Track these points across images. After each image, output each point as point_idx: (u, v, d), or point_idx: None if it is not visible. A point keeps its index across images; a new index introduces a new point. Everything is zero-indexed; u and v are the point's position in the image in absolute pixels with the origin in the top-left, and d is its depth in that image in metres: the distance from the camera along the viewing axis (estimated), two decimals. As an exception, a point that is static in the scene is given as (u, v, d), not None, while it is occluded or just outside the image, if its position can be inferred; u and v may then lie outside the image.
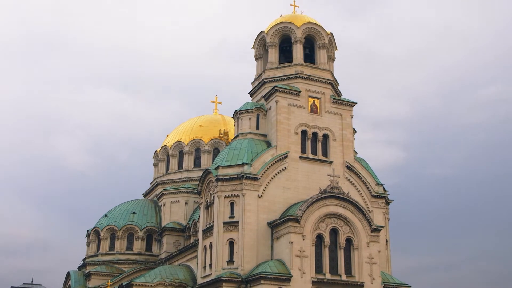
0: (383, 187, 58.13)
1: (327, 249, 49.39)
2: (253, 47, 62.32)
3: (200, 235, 55.29)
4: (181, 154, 75.95)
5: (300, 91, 56.12)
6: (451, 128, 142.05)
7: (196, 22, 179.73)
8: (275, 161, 53.05)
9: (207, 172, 55.37)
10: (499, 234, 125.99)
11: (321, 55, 59.26)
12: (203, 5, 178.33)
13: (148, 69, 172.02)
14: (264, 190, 52.06)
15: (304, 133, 55.23)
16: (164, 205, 71.64)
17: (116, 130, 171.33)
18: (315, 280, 47.89)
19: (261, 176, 52.02)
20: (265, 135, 56.30)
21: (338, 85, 60.05)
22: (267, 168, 52.51)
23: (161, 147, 79.10)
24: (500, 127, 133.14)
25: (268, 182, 52.42)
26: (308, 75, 57.16)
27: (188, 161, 74.95)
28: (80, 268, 74.34)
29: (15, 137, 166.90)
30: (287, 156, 53.61)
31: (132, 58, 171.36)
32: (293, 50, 58.78)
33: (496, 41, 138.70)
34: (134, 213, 72.31)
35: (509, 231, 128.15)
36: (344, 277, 49.13)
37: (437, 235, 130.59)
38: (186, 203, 70.40)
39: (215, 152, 72.55)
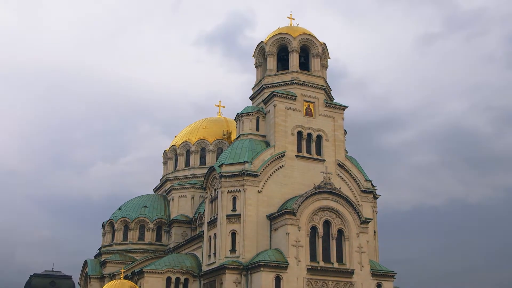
0: (371, 183, 58.14)
1: (320, 240, 49.47)
2: (253, 56, 62.36)
3: (205, 226, 55.35)
4: (188, 153, 75.94)
5: (296, 96, 56.15)
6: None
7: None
8: (274, 160, 53.08)
9: (211, 169, 55.43)
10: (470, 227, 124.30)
11: (315, 63, 59.29)
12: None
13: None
14: (263, 186, 52.11)
15: (299, 134, 55.25)
16: (172, 199, 71.65)
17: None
18: (310, 267, 47.98)
19: (260, 173, 52.07)
20: (264, 136, 56.32)
21: (331, 90, 60.11)
22: (266, 166, 52.56)
23: (170, 147, 79.09)
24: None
25: (267, 179, 52.47)
26: (303, 81, 57.19)
27: (195, 160, 74.94)
28: (96, 256, 74.32)
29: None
30: (284, 155, 53.65)
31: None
32: (290, 58, 58.82)
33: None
34: (145, 206, 72.31)
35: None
36: (336, 265, 49.24)
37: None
38: (193, 197, 70.40)
39: (219, 151, 72.53)
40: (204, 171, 62.20)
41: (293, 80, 56.97)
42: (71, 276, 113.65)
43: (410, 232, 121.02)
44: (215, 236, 52.21)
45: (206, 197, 56.50)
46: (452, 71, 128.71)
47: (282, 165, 53.37)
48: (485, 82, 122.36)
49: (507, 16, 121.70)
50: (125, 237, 71.09)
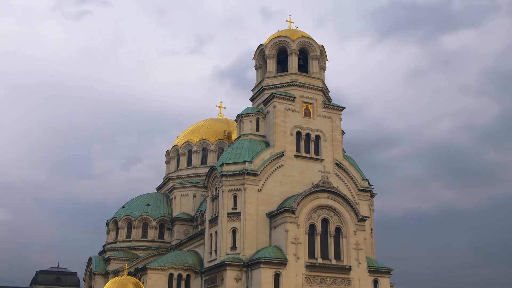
0: (368, 182, 58.17)
1: (318, 237, 49.51)
2: (253, 58, 62.38)
3: (206, 224, 55.40)
4: (190, 153, 75.97)
5: (295, 97, 56.20)
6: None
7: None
8: (273, 159, 53.12)
9: (213, 168, 55.47)
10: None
11: (313, 65, 59.34)
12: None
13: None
14: (263, 184, 52.14)
15: (298, 134, 55.29)
16: (174, 198, 71.71)
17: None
18: (308, 264, 48.03)
19: (260, 172, 52.11)
20: (264, 136, 56.35)
21: (329, 91, 60.14)
22: (266, 165, 52.59)
23: (172, 147, 79.09)
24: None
25: (267, 178, 52.50)
26: (302, 83, 57.22)
27: (196, 159, 74.98)
28: (100, 253, 74.42)
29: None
30: (283, 155, 53.69)
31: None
32: (289, 61, 58.84)
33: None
34: (148, 205, 72.36)
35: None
36: (334, 262, 49.27)
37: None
38: (194, 196, 70.47)
39: (220, 151, 72.57)
40: (206, 170, 62.20)
41: (292, 82, 57.01)
42: (76, 272, 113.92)
43: (402, 233, 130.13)
44: (216, 233, 52.26)
45: (208, 196, 56.56)
46: (437, 99, 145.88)
47: (282, 165, 53.41)
48: (464, 107, 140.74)
49: (480, 54, 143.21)
50: (128, 234, 71.16)
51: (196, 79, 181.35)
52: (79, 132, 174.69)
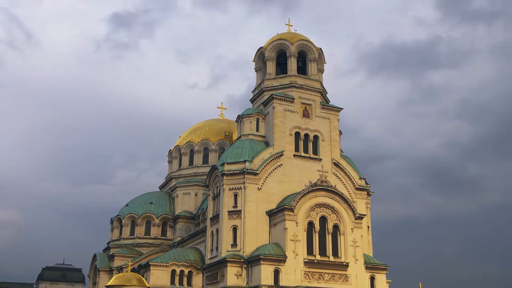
0: (365, 181, 58.18)
1: (317, 234, 49.52)
2: (253, 61, 62.39)
3: (208, 222, 55.41)
4: (192, 152, 75.99)
5: (294, 99, 56.22)
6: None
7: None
8: (272, 159, 53.12)
9: (214, 168, 55.50)
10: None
11: (312, 68, 59.35)
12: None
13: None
14: (263, 183, 52.15)
15: (297, 134, 55.30)
16: (177, 196, 71.72)
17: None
18: (307, 260, 48.06)
19: (260, 172, 52.12)
20: (264, 136, 56.38)
21: (327, 93, 60.15)
22: (266, 165, 52.61)
23: (175, 146, 79.12)
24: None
25: (267, 177, 52.51)
26: (300, 85, 57.24)
27: (198, 159, 74.99)
28: (104, 250, 74.44)
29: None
30: (282, 154, 53.69)
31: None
32: (288, 63, 58.86)
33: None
34: (151, 203, 72.37)
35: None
36: (331, 258, 49.29)
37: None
38: (196, 194, 70.45)
39: (221, 150, 72.54)
40: (207, 169, 62.21)
41: (291, 84, 57.02)
42: (81, 269, 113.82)
43: (397, 235, 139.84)
44: (217, 231, 52.28)
45: (209, 194, 56.57)
46: (425, 123, 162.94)
47: (281, 164, 53.42)
48: (446, 129, 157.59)
49: (458, 87, 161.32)
50: (132, 232, 71.20)
51: (212, 106, 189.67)
52: (97, 144, 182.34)
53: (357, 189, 56.41)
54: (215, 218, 53.23)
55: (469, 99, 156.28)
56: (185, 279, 53.39)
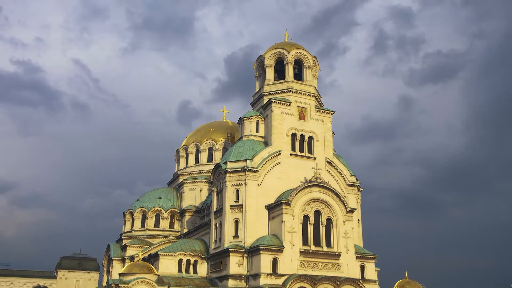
0: (356, 178, 58.19)
1: (312, 226, 49.54)
2: (253, 68, 62.42)
3: (212, 215, 55.41)
4: (198, 151, 76.01)
5: (290, 102, 56.22)
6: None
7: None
8: (271, 157, 53.14)
9: (218, 166, 55.51)
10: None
11: (307, 74, 59.34)
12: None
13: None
14: (262, 180, 52.15)
15: (293, 135, 55.29)
16: (183, 191, 71.73)
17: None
18: (302, 250, 48.08)
19: (260, 169, 52.14)
20: (263, 137, 56.38)
21: (321, 97, 60.16)
22: (265, 163, 52.62)
23: (182, 146, 79.12)
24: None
25: (266, 174, 52.53)
26: (297, 90, 57.23)
27: (203, 157, 75.00)
28: (117, 241, 74.44)
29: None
30: (280, 153, 53.71)
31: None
32: (285, 70, 58.86)
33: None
34: (160, 198, 72.40)
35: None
36: (325, 248, 49.30)
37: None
38: (201, 190, 70.44)
39: (224, 150, 72.52)
40: (211, 167, 62.22)
41: (288, 89, 57.02)
42: (96, 258, 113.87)
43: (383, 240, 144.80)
44: (220, 223, 52.29)
45: (213, 190, 56.56)
46: (396, 170, 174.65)
47: (279, 162, 53.43)
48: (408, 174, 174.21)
49: (417, 148, 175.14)
50: (142, 224, 71.23)
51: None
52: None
53: (349, 185, 56.41)
54: (219, 211, 53.24)
55: (425, 156, 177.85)
56: (191, 268, 53.38)
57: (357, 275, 50.02)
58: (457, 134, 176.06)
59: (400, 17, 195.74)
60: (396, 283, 57.16)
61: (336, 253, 49.37)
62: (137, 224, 71.33)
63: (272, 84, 58.52)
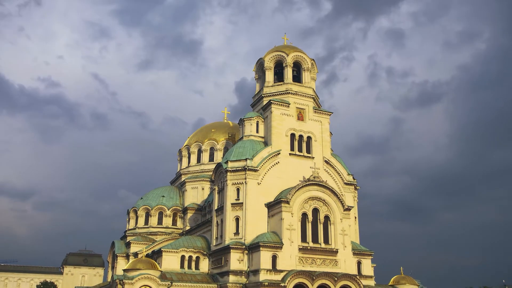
0: (353, 176, 58.20)
1: (310, 224, 49.53)
2: (254, 70, 62.44)
3: (213, 213, 55.42)
4: (199, 151, 76.08)
5: (289, 104, 56.24)
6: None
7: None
8: (271, 157, 53.16)
9: (219, 165, 55.53)
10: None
11: (305, 76, 59.37)
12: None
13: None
14: (262, 179, 52.18)
15: (292, 135, 55.32)
16: (186, 190, 71.76)
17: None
18: (301, 247, 48.09)
19: (259, 168, 52.16)
20: (263, 137, 56.41)
21: (319, 98, 60.18)
22: (264, 162, 52.64)
23: (184, 146, 79.18)
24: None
25: (265, 173, 52.55)
26: (295, 92, 57.26)
27: (205, 157, 75.12)
28: (122, 238, 74.50)
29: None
30: (279, 153, 53.74)
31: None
32: (284, 72, 58.89)
33: None
34: (163, 196, 72.45)
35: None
36: (323, 245, 49.32)
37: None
38: (203, 189, 70.50)
39: (225, 150, 72.66)
40: (213, 166, 62.24)
41: (287, 91, 57.04)
42: (101, 254, 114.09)
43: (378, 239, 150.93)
44: (221, 221, 52.32)
45: (214, 188, 56.58)
46: (387, 178, 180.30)
47: (278, 162, 53.45)
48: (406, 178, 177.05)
49: (403, 161, 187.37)
50: (146, 222, 71.30)
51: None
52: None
53: (346, 184, 56.42)
54: (220, 209, 53.28)
55: (413, 167, 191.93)
56: (193, 264, 53.41)
57: (354, 271, 50.00)
58: (442, 148, 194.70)
59: (392, 50, 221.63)
60: (392, 279, 57.38)
61: (334, 250, 49.39)
62: (141, 221, 71.37)
63: (272, 86, 58.54)
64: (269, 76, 59.42)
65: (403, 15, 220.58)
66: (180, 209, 70.79)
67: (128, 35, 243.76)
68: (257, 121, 56.90)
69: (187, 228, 66.87)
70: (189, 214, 68.48)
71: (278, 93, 57.33)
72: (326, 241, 49.66)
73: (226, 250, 49.05)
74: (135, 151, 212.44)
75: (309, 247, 48.42)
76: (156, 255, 55.23)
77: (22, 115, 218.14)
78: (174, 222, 70.74)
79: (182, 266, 52.78)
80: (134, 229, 71.63)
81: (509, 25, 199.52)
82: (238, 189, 51.67)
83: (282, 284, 44.71)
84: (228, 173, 52.16)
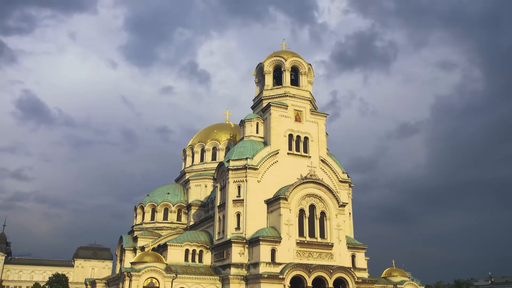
0: (347, 175, 58.21)
1: (307, 219, 49.57)
2: (254, 74, 62.44)
3: (216, 209, 55.46)
4: (203, 151, 76.11)
5: (287, 106, 56.26)
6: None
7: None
8: (270, 156, 53.18)
9: (221, 164, 55.56)
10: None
11: (303, 80, 59.39)
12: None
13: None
14: (261, 177, 52.21)
15: (290, 136, 55.34)
16: (190, 187, 71.81)
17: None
18: (298, 241, 48.13)
19: (259, 167, 52.19)
20: (262, 137, 56.41)
21: (315, 101, 60.20)
22: (264, 161, 52.67)
23: (188, 146, 79.20)
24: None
25: (265, 171, 52.57)
26: (293, 94, 57.29)
27: (207, 156, 75.16)
28: (129, 233, 74.52)
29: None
30: (278, 153, 53.76)
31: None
32: (283, 76, 58.91)
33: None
34: (168, 193, 72.49)
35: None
36: (319, 239, 49.37)
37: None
38: (206, 186, 70.55)
39: (227, 149, 72.66)
40: (215, 165, 62.30)
41: (285, 93, 57.06)
42: (109, 248, 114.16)
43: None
44: (224, 216, 52.35)
45: (217, 186, 56.59)
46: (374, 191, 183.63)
47: (277, 161, 53.47)
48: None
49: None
50: (152, 217, 71.32)
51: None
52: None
53: (341, 181, 56.46)
54: (222, 206, 53.31)
55: (397, 182, 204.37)
56: (196, 257, 53.43)
57: (349, 264, 50.05)
58: (422, 167, 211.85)
59: (380, 96, 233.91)
60: (384, 271, 57.44)
61: (329, 244, 49.42)
62: (147, 217, 71.40)
63: (271, 89, 58.56)
64: (268, 79, 59.44)
65: (393, 73, 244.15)
66: (185, 205, 70.80)
67: (150, 65, 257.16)
68: (257, 122, 56.92)
69: (191, 223, 66.90)
70: (193, 210, 68.51)
71: (277, 96, 57.35)
72: (322, 235, 49.69)
73: (228, 244, 49.07)
74: (157, 161, 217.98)
75: (306, 241, 48.45)
76: (161, 248, 55.26)
77: (58, 131, 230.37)
78: (178, 218, 70.75)
79: (186, 259, 52.81)
80: (141, 224, 71.65)
81: (480, 59, 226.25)
82: (239, 187, 51.69)
83: (281, 276, 44.74)
84: (230, 172, 52.18)
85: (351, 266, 50.10)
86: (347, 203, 53.97)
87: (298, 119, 56.47)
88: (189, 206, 69.42)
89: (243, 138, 57.19)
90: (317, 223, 49.86)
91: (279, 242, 47.03)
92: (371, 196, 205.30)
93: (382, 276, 56.80)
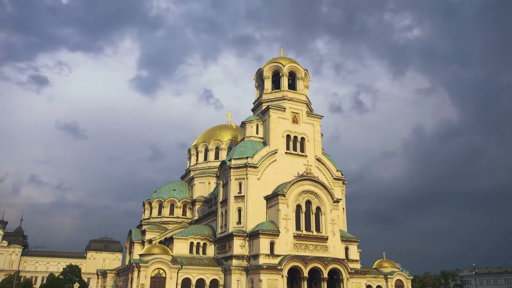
0: (341, 172, 58.33)
1: (303, 214, 49.71)
2: (254, 79, 62.57)
3: (218, 205, 55.57)
4: (206, 150, 76.18)
5: (285, 108, 56.38)
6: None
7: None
8: (269, 155, 53.29)
9: (223, 162, 55.69)
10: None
11: (299, 84, 59.49)
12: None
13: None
14: (261, 174, 52.32)
15: (288, 136, 55.44)
16: (194, 184, 71.90)
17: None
18: (296, 235, 48.26)
19: (259, 165, 52.29)
20: (262, 138, 56.52)
21: (311, 104, 60.29)
22: (263, 160, 52.77)
23: (193, 146, 79.28)
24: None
25: (264, 169, 52.69)
26: (291, 98, 57.40)
27: (211, 155, 75.21)
28: (138, 227, 74.64)
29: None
30: (276, 152, 53.87)
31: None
32: (281, 81, 59.02)
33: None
34: (174, 190, 72.56)
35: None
36: (315, 233, 49.50)
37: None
38: (209, 183, 70.62)
39: (229, 149, 72.80)
40: (218, 164, 62.40)
41: (283, 97, 57.17)
42: (119, 241, 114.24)
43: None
44: (226, 212, 52.49)
45: (219, 183, 56.73)
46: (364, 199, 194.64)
47: (275, 159, 53.58)
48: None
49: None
50: (159, 212, 71.40)
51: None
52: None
53: (335, 179, 56.56)
54: (224, 201, 53.43)
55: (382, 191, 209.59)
56: (200, 249, 53.56)
57: (342, 256, 50.21)
58: (403, 180, 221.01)
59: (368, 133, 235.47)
60: (376, 262, 57.55)
61: (324, 237, 49.54)
62: (155, 212, 71.50)
63: (270, 93, 58.68)
64: (268, 84, 59.56)
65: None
66: (189, 201, 70.91)
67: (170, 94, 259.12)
68: (257, 124, 57.04)
69: (196, 218, 67.02)
70: (197, 206, 68.61)
71: (275, 99, 57.47)
72: (318, 229, 49.81)
73: (230, 237, 49.21)
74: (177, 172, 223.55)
75: (302, 235, 48.57)
76: (168, 241, 55.41)
77: (90, 144, 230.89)
78: (184, 213, 70.85)
79: (191, 251, 52.94)
80: (148, 219, 71.78)
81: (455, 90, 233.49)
82: (240, 184, 51.81)
83: (279, 267, 44.89)
84: (232, 170, 52.30)
85: (345, 258, 50.24)
86: (340, 199, 54.05)
87: (295, 120, 56.58)
88: (193, 202, 69.52)
89: (244, 138, 57.32)
90: (313, 218, 49.98)
91: (278, 235, 47.15)
92: (356, 204, 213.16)
93: (373, 267, 56.92)
